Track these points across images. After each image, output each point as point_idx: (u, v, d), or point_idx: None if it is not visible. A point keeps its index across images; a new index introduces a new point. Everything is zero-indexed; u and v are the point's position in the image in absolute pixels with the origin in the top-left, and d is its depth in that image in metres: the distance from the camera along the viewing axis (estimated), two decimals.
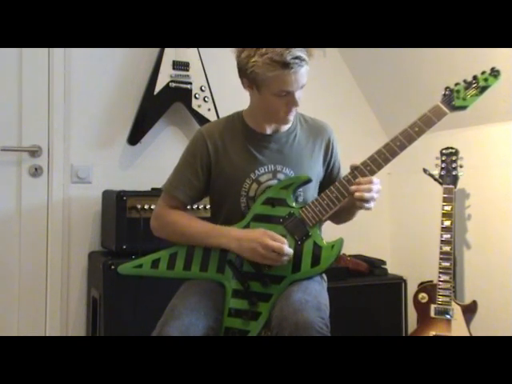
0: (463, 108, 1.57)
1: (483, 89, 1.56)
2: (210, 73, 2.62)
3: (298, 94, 1.57)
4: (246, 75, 1.55)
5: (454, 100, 1.56)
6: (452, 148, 2.38)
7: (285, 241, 1.53)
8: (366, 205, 1.55)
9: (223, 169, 1.65)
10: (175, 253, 1.63)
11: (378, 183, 1.56)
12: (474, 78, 1.57)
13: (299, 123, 1.72)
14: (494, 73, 1.56)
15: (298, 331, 1.37)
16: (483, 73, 1.57)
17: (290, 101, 1.56)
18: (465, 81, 1.58)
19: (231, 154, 1.65)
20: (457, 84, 1.58)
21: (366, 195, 1.53)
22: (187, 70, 2.57)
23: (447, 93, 1.57)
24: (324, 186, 1.72)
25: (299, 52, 1.49)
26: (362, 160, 1.59)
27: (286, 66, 1.48)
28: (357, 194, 1.53)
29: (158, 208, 1.70)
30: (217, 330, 1.52)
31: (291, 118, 1.63)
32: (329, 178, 1.75)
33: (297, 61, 1.48)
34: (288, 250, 1.53)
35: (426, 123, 1.55)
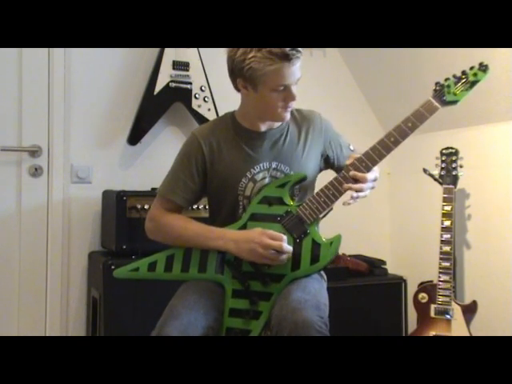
0: (454, 103, 1.59)
1: (473, 83, 1.58)
2: (210, 73, 2.61)
3: (294, 89, 1.57)
4: (242, 74, 1.54)
5: (444, 95, 1.58)
6: (452, 148, 2.38)
7: (284, 237, 1.53)
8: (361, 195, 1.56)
9: (219, 170, 1.64)
10: (172, 255, 1.62)
11: (371, 180, 1.57)
12: (464, 72, 1.59)
13: (289, 119, 1.71)
14: (483, 67, 1.58)
15: (297, 330, 1.37)
16: (472, 68, 1.59)
17: (287, 95, 1.56)
18: (454, 76, 1.59)
19: (226, 154, 1.65)
20: (447, 79, 1.59)
21: (360, 194, 1.55)
22: (187, 70, 2.57)
23: (438, 88, 1.59)
24: (337, 169, 1.71)
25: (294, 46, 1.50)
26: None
27: (285, 57, 1.48)
28: (353, 194, 1.54)
29: (153, 210, 1.68)
30: (216, 329, 1.52)
31: (288, 115, 1.63)
32: (337, 159, 1.73)
33: (295, 52, 1.49)
34: (287, 247, 1.53)
35: (418, 118, 1.56)
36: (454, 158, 2.36)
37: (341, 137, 1.78)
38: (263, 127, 1.67)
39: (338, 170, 1.71)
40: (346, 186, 1.55)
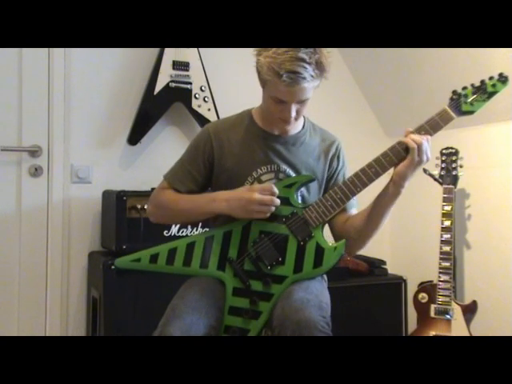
0: (470, 113, 1.56)
1: (490, 94, 1.56)
2: (210, 73, 2.61)
3: (297, 107, 1.55)
4: (256, 69, 1.57)
5: (461, 105, 1.55)
6: (452, 148, 2.38)
7: (273, 189, 1.53)
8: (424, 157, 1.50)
9: (226, 166, 1.65)
10: (175, 248, 1.62)
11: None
12: (482, 82, 1.56)
13: (309, 131, 1.71)
14: (502, 79, 1.56)
15: (300, 330, 1.37)
16: (491, 78, 1.56)
17: (284, 110, 1.55)
18: (472, 85, 1.56)
19: (236, 151, 1.65)
20: (464, 88, 1.56)
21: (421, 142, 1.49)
22: (187, 70, 2.57)
23: (454, 97, 1.55)
24: (325, 188, 1.71)
25: (301, 68, 1.44)
26: (362, 160, 1.58)
27: (279, 76, 1.46)
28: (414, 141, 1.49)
29: (153, 192, 1.72)
30: (218, 329, 1.52)
31: (287, 128, 1.63)
32: (331, 183, 1.72)
33: (292, 76, 1.45)
34: (276, 200, 1.53)
35: (433, 127, 1.53)
36: (453, 158, 2.37)
37: (346, 168, 1.76)
38: (277, 130, 1.67)
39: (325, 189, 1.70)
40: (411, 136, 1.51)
